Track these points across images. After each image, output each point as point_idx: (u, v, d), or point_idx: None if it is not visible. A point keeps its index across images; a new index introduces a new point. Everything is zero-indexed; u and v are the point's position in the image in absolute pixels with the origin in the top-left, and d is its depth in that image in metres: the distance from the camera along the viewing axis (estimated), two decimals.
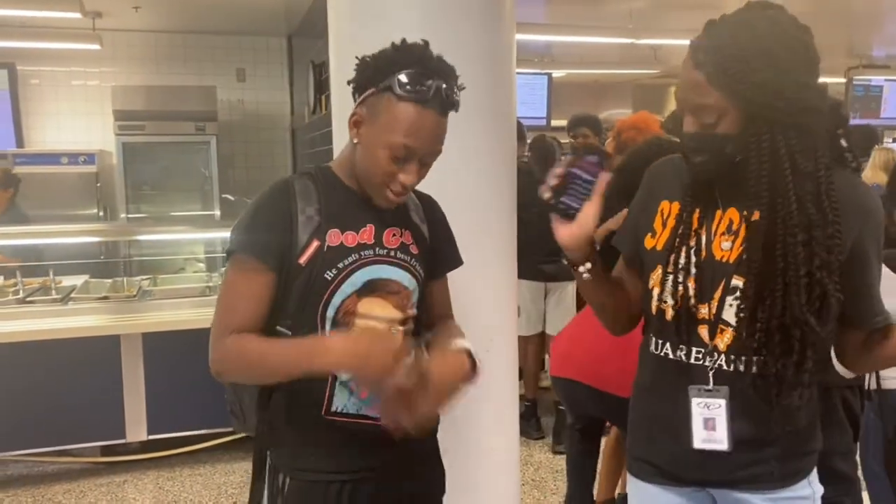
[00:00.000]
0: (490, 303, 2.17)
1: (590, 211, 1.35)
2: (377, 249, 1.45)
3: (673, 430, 1.44)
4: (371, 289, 1.43)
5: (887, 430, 2.09)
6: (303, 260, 1.39)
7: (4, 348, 3.43)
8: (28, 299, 3.79)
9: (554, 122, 7.06)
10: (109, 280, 4.29)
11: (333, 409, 1.41)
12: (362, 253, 1.43)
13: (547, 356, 4.01)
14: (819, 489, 1.48)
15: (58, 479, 3.66)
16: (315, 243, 1.40)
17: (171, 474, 3.66)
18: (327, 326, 1.40)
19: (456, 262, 1.62)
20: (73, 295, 3.90)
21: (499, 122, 2.14)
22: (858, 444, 2.07)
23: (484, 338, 2.10)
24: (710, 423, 1.40)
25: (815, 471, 1.48)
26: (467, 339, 1.48)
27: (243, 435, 1.61)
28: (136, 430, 3.70)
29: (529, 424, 4.02)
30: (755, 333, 1.31)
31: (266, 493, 1.46)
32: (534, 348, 4.10)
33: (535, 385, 4.13)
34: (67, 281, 4.14)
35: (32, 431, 3.56)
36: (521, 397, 4.17)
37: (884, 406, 2.05)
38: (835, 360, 2.10)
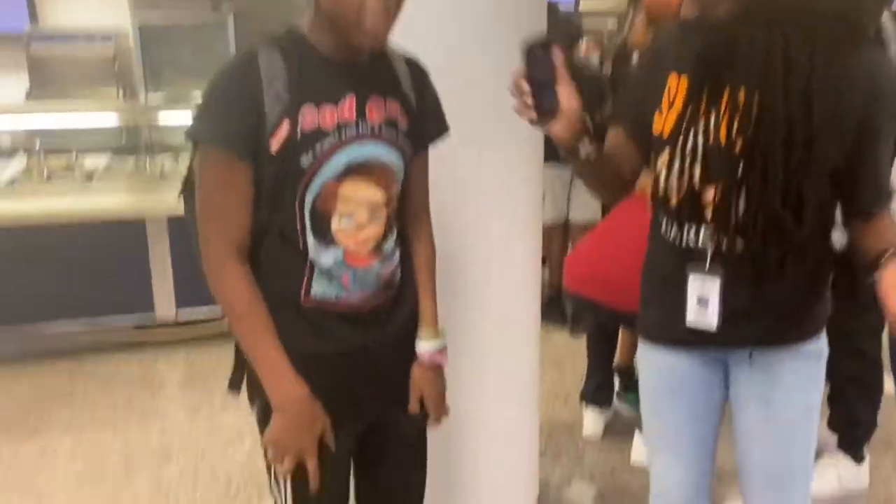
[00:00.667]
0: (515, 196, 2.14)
1: (565, 94, 1.32)
2: (360, 127, 1.33)
3: (677, 306, 1.46)
4: (353, 171, 1.34)
5: None
6: (274, 146, 1.27)
7: (32, 227, 3.49)
8: (52, 179, 3.82)
9: (583, 6, 6.78)
10: (132, 158, 4.28)
11: (312, 295, 1.37)
12: (344, 132, 1.31)
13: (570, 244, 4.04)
14: (826, 348, 1.52)
15: (93, 352, 3.79)
16: (285, 126, 1.27)
17: (200, 349, 3.79)
18: (306, 215, 1.33)
19: (441, 129, 1.51)
20: (96, 176, 3.91)
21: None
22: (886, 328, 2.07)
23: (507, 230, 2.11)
24: (703, 302, 1.44)
25: (824, 330, 1.51)
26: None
27: None
28: (166, 307, 3.80)
29: (554, 312, 4.08)
30: (736, 223, 1.34)
31: (247, 373, 1.44)
32: (558, 239, 4.12)
33: (559, 273, 4.15)
34: (90, 161, 4.15)
35: (67, 306, 3.68)
36: (546, 285, 4.22)
37: None
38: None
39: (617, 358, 3.09)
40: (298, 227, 1.34)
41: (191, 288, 3.75)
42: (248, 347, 1.37)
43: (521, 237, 2.18)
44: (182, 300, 3.83)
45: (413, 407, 1.53)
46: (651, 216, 1.54)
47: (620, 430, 2.98)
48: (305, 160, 1.30)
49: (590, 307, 2.52)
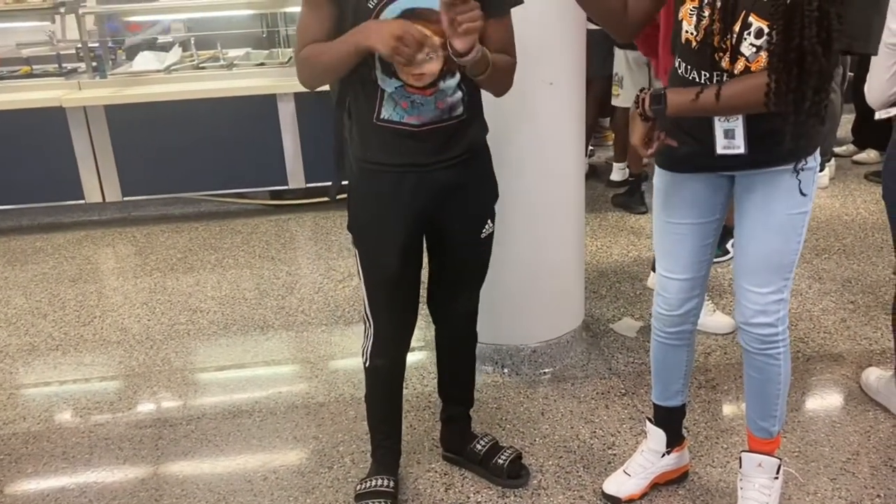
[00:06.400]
0: (557, 41, 2.43)
1: None
2: None
3: (697, 138, 1.72)
4: (412, 15, 1.62)
5: None
6: None
7: (185, 105, 4.16)
8: (201, 66, 4.46)
9: None
10: (267, 51, 4.86)
11: (382, 116, 1.77)
12: None
13: None
14: (817, 163, 1.74)
15: (237, 216, 4.51)
16: None
17: (326, 214, 4.39)
18: None
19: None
20: (236, 62, 4.52)
21: None
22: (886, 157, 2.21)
23: (548, 74, 2.42)
24: (729, 133, 1.68)
25: (818, 149, 1.73)
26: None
27: None
28: (296, 178, 4.40)
29: (633, 199, 4.28)
30: (773, 58, 1.52)
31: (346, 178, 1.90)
32: None
33: (639, 161, 4.30)
34: (232, 52, 4.77)
35: (214, 176, 4.38)
36: (627, 175, 4.45)
37: None
38: (865, 90, 2.24)
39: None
40: (369, 58, 1.72)
41: (317, 164, 4.33)
42: (328, 58, 1.70)
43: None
44: (310, 176, 4.42)
45: None
46: (672, 65, 1.76)
47: None
48: (372, 2, 1.67)
49: None
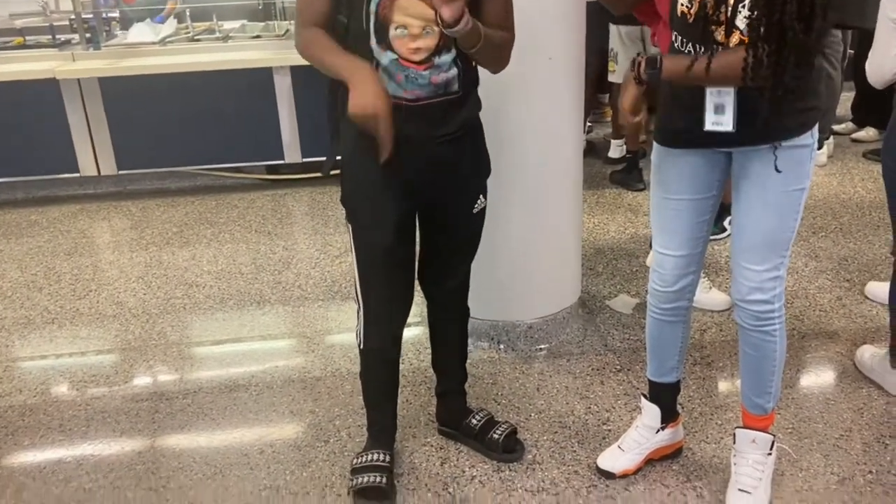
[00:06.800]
0: (556, 15, 2.40)
1: None
2: None
3: (692, 111, 1.71)
4: None
5: None
6: None
7: (180, 78, 4.12)
8: (196, 38, 4.41)
9: None
10: (263, 23, 4.81)
11: None
12: None
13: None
14: (815, 140, 1.74)
15: (233, 190, 4.49)
16: None
17: (322, 189, 4.37)
18: (371, 20, 1.68)
19: None
20: (232, 35, 4.47)
21: None
22: (885, 135, 2.21)
23: (547, 49, 2.39)
24: (719, 109, 1.67)
25: (816, 126, 1.74)
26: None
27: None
28: (293, 152, 4.38)
29: (631, 175, 4.25)
30: (756, 34, 1.53)
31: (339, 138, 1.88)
32: None
33: (637, 137, 4.25)
34: (228, 24, 4.71)
35: (209, 150, 4.35)
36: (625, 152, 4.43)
37: None
38: (867, 68, 2.23)
39: None
40: (365, 30, 1.70)
41: (313, 138, 4.30)
42: (323, 60, 1.71)
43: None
44: (306, 151, 4.39)
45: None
46: (669, 39, 1.76)
47: None
48: None
49: None
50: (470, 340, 2.26)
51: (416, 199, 1.88)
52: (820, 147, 3.70)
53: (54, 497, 2.08)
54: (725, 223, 3.26)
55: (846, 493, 1.97)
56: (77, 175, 4.34)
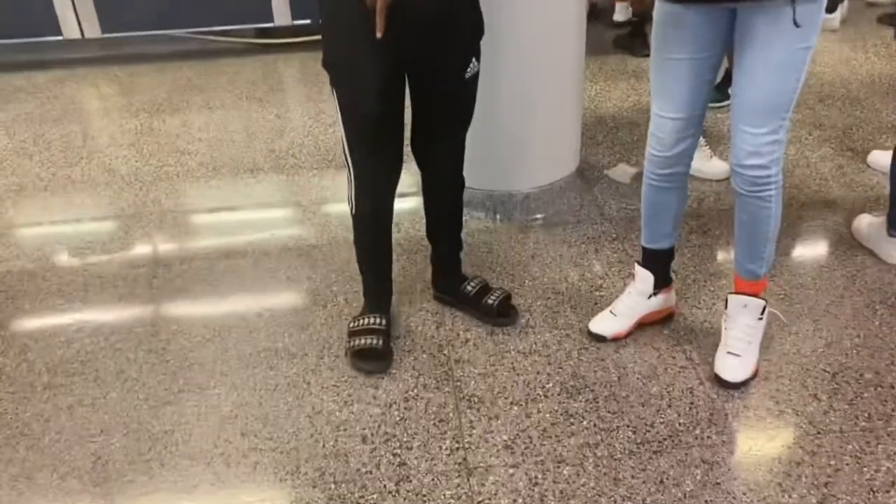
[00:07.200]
0: None
1: None
2: None
3: None
4: None
5: None
6: None
7: None
8: None
9: None
10: None
11: None
12: None
13: None
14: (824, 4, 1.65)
15: (222, 55, 4.34)
16: None
17: (314, 55, 4.20)
18: None
19: None
20: None
21: None
22: None
23: None
24: None
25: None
26: None
27: None
28: (282, 14, 4.20)
29: (636, 40, 4.10)
30: None
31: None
32: None
33: (640, 0, 4.11)
34: None
35: (196, 12, 4.18)
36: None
37: None
38: None
39: None
40: None
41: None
42: None
43: None
44: (296, 13, 4.21)
45: None
46: None
47: None
48: None
49: None
50: (465, 210, 2.24)
51: (402, 61, 1.79)
52: (834, 9, 3.54)
53: (58, 357, 2.13)
54: (730, 90, 3.17)
55: (832, 355, 2.02)
56: (61, 38, 4.18)
